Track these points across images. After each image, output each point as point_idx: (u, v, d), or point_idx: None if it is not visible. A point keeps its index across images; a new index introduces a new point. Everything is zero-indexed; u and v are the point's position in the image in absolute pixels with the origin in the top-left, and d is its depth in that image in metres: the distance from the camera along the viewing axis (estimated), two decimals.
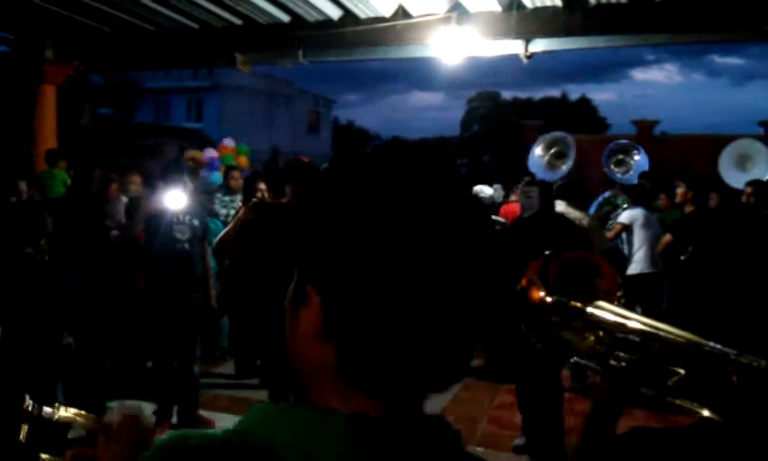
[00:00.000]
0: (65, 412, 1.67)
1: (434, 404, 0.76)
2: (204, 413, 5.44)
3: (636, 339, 1.34)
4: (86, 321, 3.79)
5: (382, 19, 7.50)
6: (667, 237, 6.67)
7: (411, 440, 0.69)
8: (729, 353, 1.13)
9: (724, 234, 1.28)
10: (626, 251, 7.16)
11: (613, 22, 6.97)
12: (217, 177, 9.83)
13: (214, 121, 31.62)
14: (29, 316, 3.40)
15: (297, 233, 0.75)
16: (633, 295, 6.26)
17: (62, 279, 3.58)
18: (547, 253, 1.59)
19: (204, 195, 7.30)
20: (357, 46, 7.97)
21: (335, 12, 7.59)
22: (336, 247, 0.68)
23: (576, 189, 5.81)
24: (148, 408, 5.53)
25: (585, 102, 45.47)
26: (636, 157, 9.84)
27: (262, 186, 6.38)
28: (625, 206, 7.69)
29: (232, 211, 7.07)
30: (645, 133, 14.30)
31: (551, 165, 9.56)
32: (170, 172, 5.37)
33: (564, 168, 9.27)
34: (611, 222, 7.68)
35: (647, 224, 7.00)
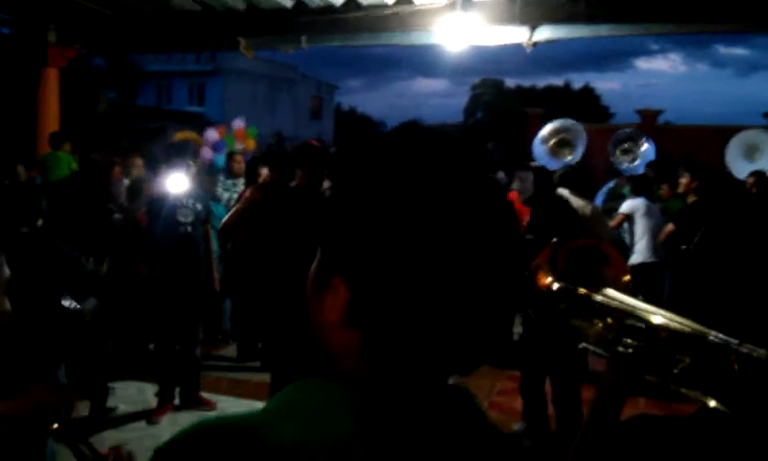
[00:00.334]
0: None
1: None
2: (205, 395, 5.47)
3: (643, 326, 1.35)
4: (102, 281, 3.84)
5: (385, 6, 7.47)
6: (669, 227, 6.67)
7: (433, 420, 0.70)
8: (731, 343, 1.14)
9: (729, 225, 1.29)
10: (628, 240, 7.17)
11: (617, 11, 6.95)
12: (221, 159, 9.80)
13: (216, 105, 31.58)
14: (28, 295, 3.41)
15: (322, 222, 0.74)
16: (635, 284, 6.26)
17: (62, 249, 3.60)
18: (555, 240, 1.60)
19: (207, 178, 7.29)
20: (360, 32, 7.95)
21: None
22: (366, 238, 0.68)
23: (579, 177, 5.80)
24: (150, 390, 5.57)
25: (588, 91, 45.31)
26: (644, 147, 9.79)
27: (264, 171, 6.38)
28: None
29: (235, 195, 7.08)
30: (649, 123, 14.26)
31: (554, 153, 9.53)
32: (173, 155, 5.36)
33: (571, 158, 9.22)
34: (613, 213, 7.69)
35: (649, 213, 7.01)
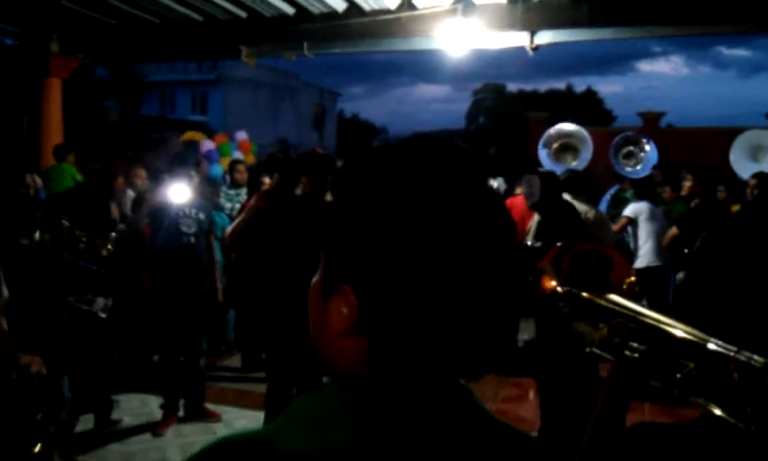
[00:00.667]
0: None
1: None
2: (210, 406, 5.46)
3: (646, 332, 1.34)
4: (114, 282, 3.86)
5: (387, 11, 7.47)
6: (673, 230, 6.65)
7: (441, 423, 0.71)
8: (729, 351, 1.13)
9: (730, 228, 1.27)
10: (632, 245, 7.15)
11: (619, 14, 6.94)
12: (218, 169, 9.79)
13: (219, 114, 31.70)
14: (31, 305, 3.41)
15: (328, 231, 0.76)
16: (639, 288, 6.25)
17: (63, 257, 3.60)
18: (559, 244, 1.59)
19: (209, 188, 7.29)
20: (362, 38, 7.95)
21: (340, 5, 7.57)
22: (376, 246, 0.69)
23: (581, 182, 5.78)
24: (154, 402, 5.56)
25: (590, 94, 45.32)
26: (647, 149, 9.74)
27: (267, 180, 6.38)
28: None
29: (237, 205, 7.07)
30: (651, 125, 14.23)
31: (557, 157, 9.50)
32: (175, 165, 5.36)
33: (576, 163, 9.19)
34: (617, 218, 7.67)
35: (652, 217, 6.99)
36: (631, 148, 9.76)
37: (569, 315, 1.53)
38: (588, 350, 1.54)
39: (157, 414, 5.34)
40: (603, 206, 8.28)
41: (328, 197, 4.30)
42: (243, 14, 8.01)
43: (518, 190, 7.65)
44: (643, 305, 1.43)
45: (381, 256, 0.69)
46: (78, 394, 4.50)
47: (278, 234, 4.33)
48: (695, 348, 1.22)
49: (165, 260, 5.16)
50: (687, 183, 8.05)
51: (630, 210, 7.15)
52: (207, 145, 10.57)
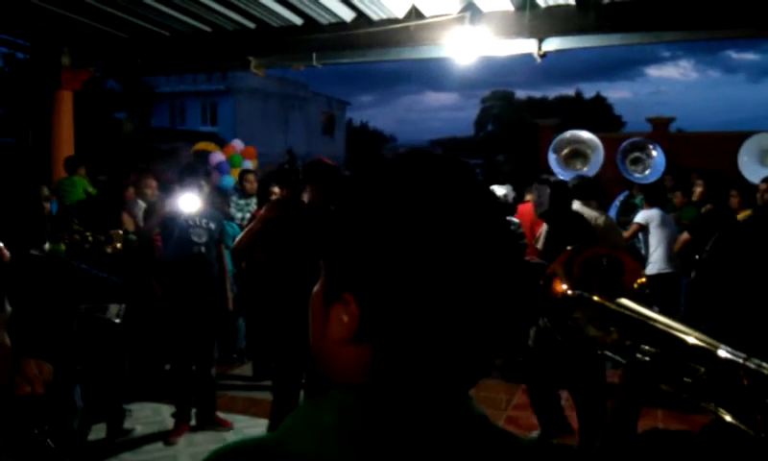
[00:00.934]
0: None
1: None
2: (221, 415, 5.47)
3: (656, 337, 1.34)
4: (126, 289, 3.87)
5: (395, 20, 7.50)
6: (684, 236, 6.63)
7: (443, 428, 0.72)
8: (738, 357, 1.12)
9: (739, 233, 1.27)
10: (643, 251, 7.12)
11: (627, 20, 6.92)
12: (229, 180, 9.83)
13: (229, 124, 31.81)
14: (43, 315, 3.43)
15: (331, 241, 0.77)
16: (651, 295, 6.22)
17: (73, 265, 3.61)
18: (570, 248, 1.59)
19: (219, 198, 7.32)
20: (370, 48, 7.97)
21: (348, 15, 7.60)
22: (378, 255, 0.70)
23: (591, 188, 5.78)
24: (166, 411, 5.57)
25: (599, 100, 45.25)
26: (653, 154, 9.70)
27: (276, 189, 6.40)
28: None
29: (248, 215, 7.10)
30: (661, 131, 14.17)
31: (567, 163, 9.49)
32: (185, 175, 5.39)
33: (587, 169, 9.17)
34: (627, 226, 7.65)
35: (663, 224, 6.97)
36: (637, 154, 9.73)
37: (580, 318, 1.53)
38: (599, 352, 1.54)
39: (169, 423, 5.36)
40: (612, 213, 8.27)
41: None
42: (251, 25, 8.06)
43: (528, 197, 7.65)
44: (655, 311, 1.43)
45: (382, 265, 0.70)
46: (90, 403, 4.52)
47: (287, 244, 4.35)
48: (705, 354, 1.22)
49: (176, 270, 5.18)
50: (699, 189, 8.02)
51: (641, 217, 7.13)
52: (217, 157, 10.61)
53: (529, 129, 21.56)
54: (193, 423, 5.37)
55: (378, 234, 0.71)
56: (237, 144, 11.41)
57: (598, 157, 9.42)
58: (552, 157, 9.52)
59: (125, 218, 6.25)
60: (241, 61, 8.72)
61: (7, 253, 3.09)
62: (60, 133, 9.13)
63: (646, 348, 1.37)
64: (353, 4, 7.33)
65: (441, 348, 0.71)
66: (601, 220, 5.47)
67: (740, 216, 6.82)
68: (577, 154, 9.71)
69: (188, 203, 5.16)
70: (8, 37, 9.30)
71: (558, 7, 6.99)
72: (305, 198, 4.63)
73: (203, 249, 5.22)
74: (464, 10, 7.13)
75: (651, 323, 1.37)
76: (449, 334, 0.71)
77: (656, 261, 6.89)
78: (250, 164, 10.47)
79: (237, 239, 4.74)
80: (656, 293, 6.51)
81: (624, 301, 1.46)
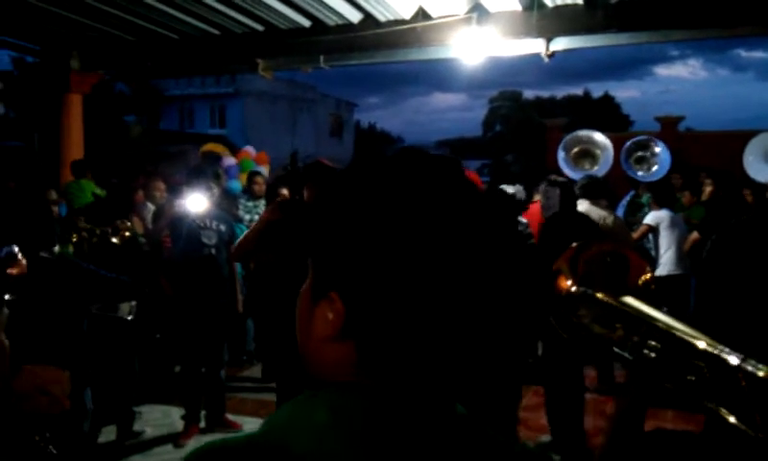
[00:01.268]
0: None
1: None
2: (231, 417, 5.48)
3: (658, 336, 1.34)
4: (137, 288, 3.89)
5: (402, 22, 7.50)
6: (694, 235, 6.60)
7: (432, 424, 0.72)
8: (736, 359, 1.12)
9: (739, 233, 1.26)
10: (653, 252, 7.08)
11: (635, 19, 6.90)
12: (236, 185, 9.85)
13: (237, 127, 31.89)
14: (52, 317, 3.44)
15: (316, 239, 0.77)
16: (661, 296, 6.20)
17: (82, 266, 3.62)
18: (575, 244, 1.58)
19: (228, 200, 7.34)
20: (378, 49, 7.98)
21: (355, 16, 7.61)
22: (363, 253, 0.71)
23: (600, 188, 5.76)
24: (176, 413, 5.59)
25: (608, 99, 45.11)
26: (657, 151, 9.63)
27: (285, 192, 6.41)
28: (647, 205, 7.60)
29: (256, 216, 7.11)
30: (669, 130, 14.11)
31: (575, 162, 9.46)
32: (194, 177, 5.40)
33: (596, 169, 9.13)
34: (635, 226, 7.61)
35: (673, 225, 6.94)
36: (641, 153, 9.66)
37: (584, 316, 1.52)
38: (603, 350, 1.53)
39: (179, 425, 5.37)
40: (620, 213, 8.23)
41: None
42: (259, 28, 8.08)
43: (537, 197, 7.63)
44: (663, 312, 1.42)
45: (366, 264, 0.70)
46: (100, 405, 4.54)
47: (290, 245, 4.36)
48: (705, 354, 1.21)
49: (186, 272, 5.20)
50: (708, 188, 7.98)
51: (650, 218, 7.10)
52: (228, 161, 10.64)
53: (537, 129, 21.52)
54: (203, 425, 5.38)
55: (362, 232, 0.71)
56: (249, 150, 11.43)
57: (608, 157, 9.38)
58: (561, 156, 9.49)
59: (134, 221, 6.27)
60: (249, 64, 8.74)
61: (24, 262, 3.12)
62: (70, 137, 9.18)
63: (652, 344, 1.36)
64: (360, 5, 7.34)
65: (423, 345, 0.71)
66: (609, 220, 5.46)
67: None
68: (586, 153, 9.67)
69: (196, 203, 5.17)
70: (17, 41, 9.35)
71: (566, 6, 6.98)
72: (305, 199, 4.64)
73: (213, 251, 5.23)
74: (471, 10, 7.12)
75: (652, 321, 1.36)
76: (432, 332, 0.71)
77: (666, 263, 6.86)
78: (263, 170, 10.49)
79: (238, 240, 4.74)
80: (667, 295, 6.48)
81: (628, 299, 1.45)
